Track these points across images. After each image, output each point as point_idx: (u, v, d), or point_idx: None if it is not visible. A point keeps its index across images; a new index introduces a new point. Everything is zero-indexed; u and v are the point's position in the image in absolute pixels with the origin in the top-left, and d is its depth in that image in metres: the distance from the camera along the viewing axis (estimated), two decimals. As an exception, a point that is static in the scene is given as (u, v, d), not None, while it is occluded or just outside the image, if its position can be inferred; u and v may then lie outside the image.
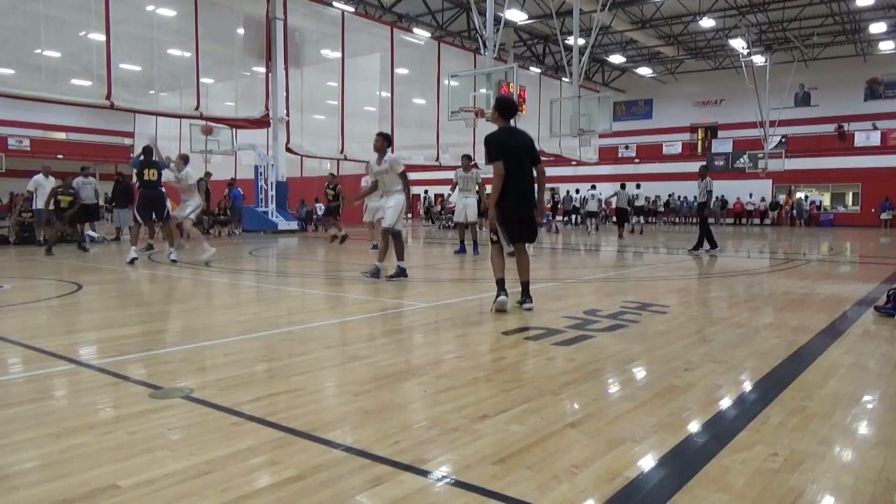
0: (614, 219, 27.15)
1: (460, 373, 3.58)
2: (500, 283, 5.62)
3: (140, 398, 3.08)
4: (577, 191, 31.35)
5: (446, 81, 20.33)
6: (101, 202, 16.47)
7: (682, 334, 4.77)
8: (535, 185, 5.79)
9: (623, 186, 20.26)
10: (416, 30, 26.73)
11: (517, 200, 5.52)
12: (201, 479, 2.16)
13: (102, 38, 15.65)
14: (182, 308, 6.31)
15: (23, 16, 15.37)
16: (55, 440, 2.53)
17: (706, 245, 13.12)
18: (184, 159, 10.24)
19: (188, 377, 3.50)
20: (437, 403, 3.05)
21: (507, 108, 5.66)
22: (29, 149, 33.96)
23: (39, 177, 13.65)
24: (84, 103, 16.84)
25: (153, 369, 3.67)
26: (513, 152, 5.52)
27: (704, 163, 13.80)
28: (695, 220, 34.13)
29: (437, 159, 25.35)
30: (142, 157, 10.07)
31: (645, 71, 38.40)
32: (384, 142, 7.77)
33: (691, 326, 5.10)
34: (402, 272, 7.77)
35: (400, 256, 7.84)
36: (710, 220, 14.07)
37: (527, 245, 5.90)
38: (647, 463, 2.36)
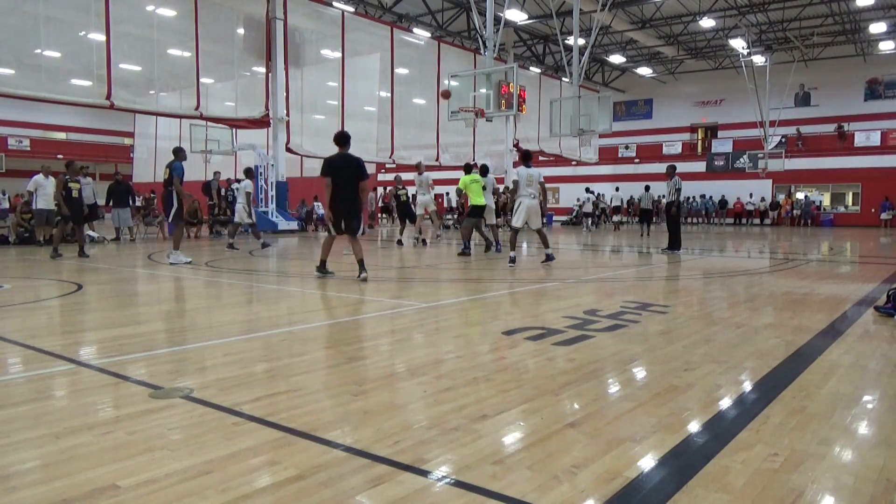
0: (615, 219, 27.26)
1: (460, 373, 3.58)
2: (323, 263, 8.02)
3: (140, 398, 3.08)
4: (588, 189, 31.30)
5: (446, 81, 20.31)
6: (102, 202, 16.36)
7: (682, 334, 4.77)
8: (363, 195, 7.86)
9: (647, 188, 20.87)
10: (416, 30, 26.70)
11: (341, 204, 7.58)
12: (201, 479, 2.17)
13: (102, 38, 15.64)
14: (182, 308, 6.31)
15: (23, 16, 15.35)
16: (55, 440, 2.53)
17: (657, 242, 13.38)
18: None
19: (188, 377, 3.50)
20: (437, 403, 3.05)
21: (337, 139, 7.74)
22: (29, 149, 33.96)
23: (39, 177, 13.65)
24: (84, 103, 16.83)
25: (153, 369, 3.67)
26: (339, 171, 7.51)
27: (673, 163, 14.04)
28: (687, 220, 34.20)
29: (437, 159, 25.34)
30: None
31: (645, 71, 38.38)
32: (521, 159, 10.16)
33: (691, 326, 5.10)
34: (548, 257, 10.09)
35: (545, 245, 10.15)
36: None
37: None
38: (647, 463, 2.36)
